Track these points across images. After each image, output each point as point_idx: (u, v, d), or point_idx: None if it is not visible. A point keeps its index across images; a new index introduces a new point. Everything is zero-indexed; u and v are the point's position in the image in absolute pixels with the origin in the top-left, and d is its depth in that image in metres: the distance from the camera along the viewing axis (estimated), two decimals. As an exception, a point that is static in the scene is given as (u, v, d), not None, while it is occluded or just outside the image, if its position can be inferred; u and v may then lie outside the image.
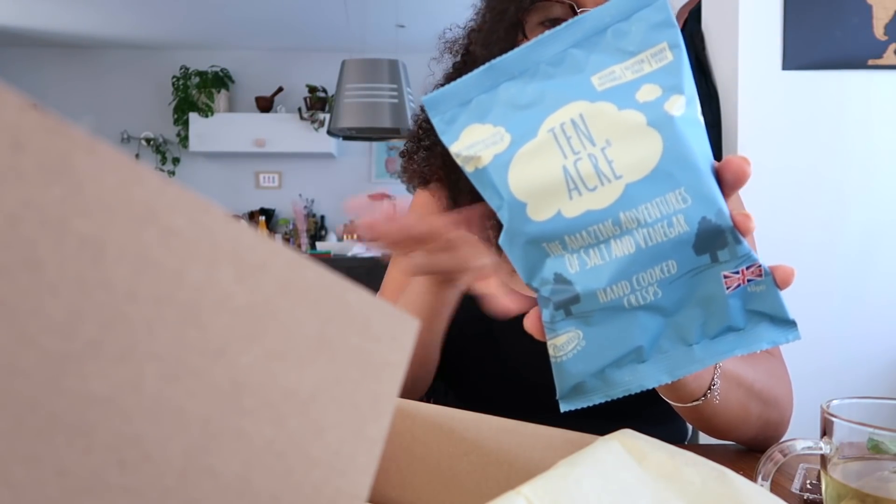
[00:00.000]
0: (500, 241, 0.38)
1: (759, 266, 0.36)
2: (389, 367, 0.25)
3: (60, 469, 0.20)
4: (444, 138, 0.39)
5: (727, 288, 0.37)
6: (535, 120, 0.37)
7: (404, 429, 0.48)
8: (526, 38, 0.76)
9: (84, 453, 0.20)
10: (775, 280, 0.37)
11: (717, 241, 0.36)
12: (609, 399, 0.39)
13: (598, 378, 0.39)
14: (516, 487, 0.28)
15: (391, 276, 0.92)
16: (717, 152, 1.89)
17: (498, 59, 0.39)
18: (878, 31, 1.76)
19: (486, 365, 0.83)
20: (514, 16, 0.76)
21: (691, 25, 2.07)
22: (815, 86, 1.79)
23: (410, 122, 3.62)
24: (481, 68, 0.39)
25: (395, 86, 3.50)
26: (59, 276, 0.19)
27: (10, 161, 0.18)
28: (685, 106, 0.36)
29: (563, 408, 0.40)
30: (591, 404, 0.39)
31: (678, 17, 2.44)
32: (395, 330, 0.25)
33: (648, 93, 0.36)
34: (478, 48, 0.81)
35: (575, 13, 0.73)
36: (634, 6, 0.38)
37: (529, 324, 0.41)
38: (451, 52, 0.88)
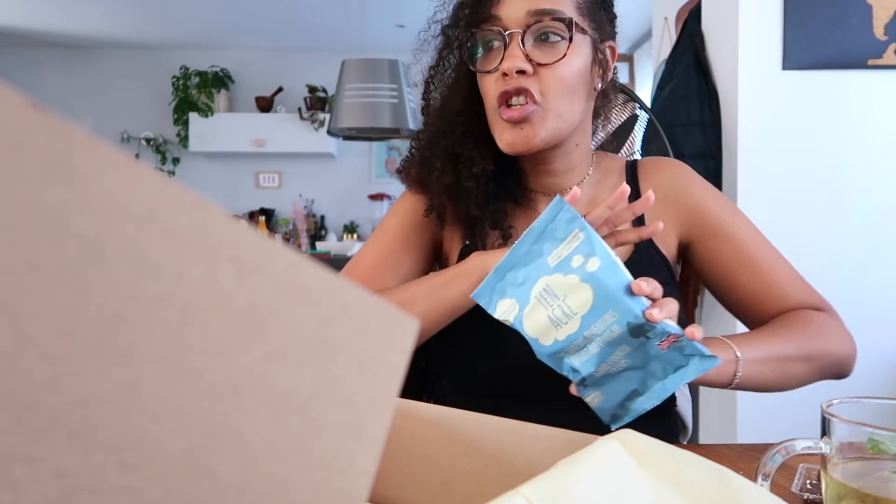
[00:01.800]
0: (539, 359, 0.66)
1: (673, 334, 0.62)
2: (389, 367, 0.25)
3: (60, 469, 0.20)
4: (489, 311, 0.67)
5: (663, 349, 0.63)
6: (526, 293, 0.65)
7: (404, 429, 0.48)
8: (473, 67, 0.86)
9: (84, 453, 0.20)
10: (690, 338, 0.62)
11: (641, 330, 0.62)
12: (634, 417, 0.66)
13: (622, 408, 0.67)
14: (516, 487, 0.28)
15: (376, 240, 0.96)
16: (718, 152, 1.89)
17: (501, 261, 0.66)
18: (878, 31, 1.76)
19: (487, 351, 0.85)
20: (458, 51, 0.87)
21: (691, 25, 2.07)
22: (815, 86, 1.79)
23: (410, 124, 3.61)
24: (494, 270, 0.66)
25: (395, 86, 3.50)
26: (59, 276, 0.19)
27: (10, 161, 0.18)
28: (598, 262, 0.62)
29: (613, 428, 0.66)
30: (626, 422, 0.66)
31: (678, 18, 2.44)
32: (395, 330, 0.25)
33: (577, 261, 0.63)
34: (435, 93, 0.94)
35: (503, 36, 0.82)
36: (554, 213, 0.65)
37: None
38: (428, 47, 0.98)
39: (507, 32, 0.81)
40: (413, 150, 0.96)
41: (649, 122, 1.84)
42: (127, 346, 0.21)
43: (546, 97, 0.82)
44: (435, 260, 0.98)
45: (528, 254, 0.65)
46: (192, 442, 0.22)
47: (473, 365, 0.86)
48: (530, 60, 0.81)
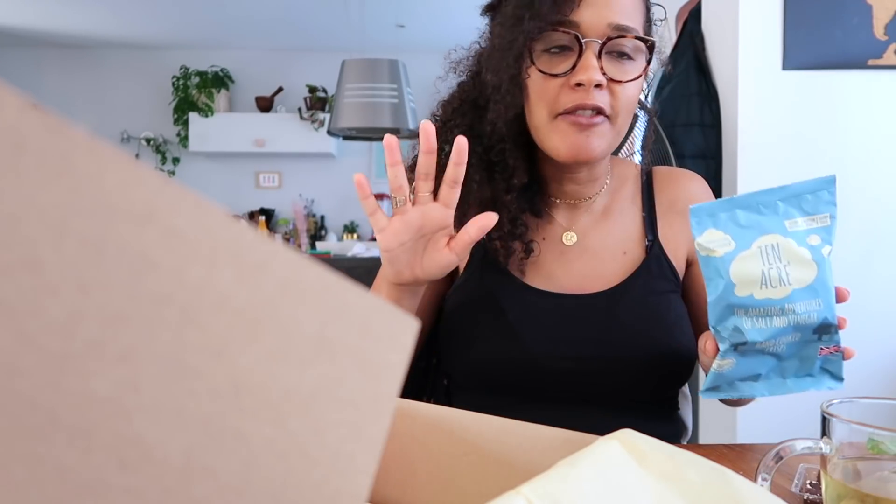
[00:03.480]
0: (711, 301, 0.62)
1: (839, 346, 0.62)
2: (389, 367, 0.25)
3: (60, 469, 0.20)
4: (693, 232, 0.63)
5: (819, 355, 0.63)
6: (749, 238, 0.62)
7: (404, 429, 0.48)
8: (534, 64, 0.81)
9: (84, 453, 0.20)
10: (843, 355, 0.63)
11: (827, 330, 0.61)
12: (733, 397, 0.66)
13: (731, 384, 0.66)
14: (516, 487, 0.28)
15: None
16: (718, 152, 1.89)
17: (736, 196, 0.63)
18: (878, 31, 1.76)
19: (501, 351, 0.84)
20: (522, 45, 0.80)
21: (691, 25, 2.07)
22: (815, 86, 1.79)
23: (410, 124, 3.57)
24: (724, 199, 0.63)
25: (395, 86, 3.50)
26: (59, 276, 0.19)
27: (10, 161, 0.18)
28: (830, 252, 0.61)
29: (704, 397, 0.66)
30: (719, 398, 0.67)
31: (678, 18, 2.44)
32: (395, 330, 0.25)
33: (814, 240, 0.62)
34: (489, 75, 0.86)
35: (580, 42, 0.78)
36: (819, 187, 0.63)
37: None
38: (455, 72, 0.93)
39: (584, 40, 0.79)
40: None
41: (649, 121, 1.84)
42: (127, 346, 0.21)
43: (616, 113, 0.81)
44: None
45: (770, 206, 0.63)
46: (192, 442, 0.22)
47: (486, 364, 0.86)
48: (604, 74, 0.79)
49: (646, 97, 0.92)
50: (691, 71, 1.96)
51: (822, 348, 0.62)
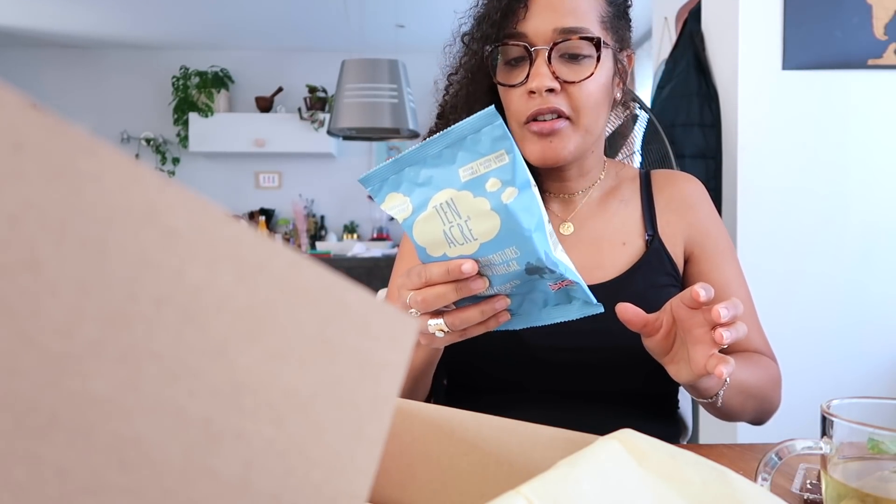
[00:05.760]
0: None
1: (569, 280, 0.60)
2: (389, 367, 0.25)
3: (60, 469, 0.20)
4: (376, 200, 0.61)
5: (552, 289, 0.61)
6: (425, 198, 0.58)
7: (404, 429, 0.48)
8: (495, 77, 0.85)
9: (84, 453, 0.20)
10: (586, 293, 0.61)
11: (539, 271, 0.58)
12: (508, 328, 0.64)
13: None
14: (516, 487, 0.28)
15: (397, 270, 0.96)
16: (718, 152, 1.89)
17: (403, 154, 0.59)
18: (878, 31, 1.76)
19: (494, 344, 0.85)
20: (482, 60, 0.85)
21: (691, 25, 2.07)
22: (815, 86, 1.79)
23: (410, 124, 3.59)
24: (392, 160, 0.60)
25: (394, 86, 3.51)
26: (59, 276, 0.19)
27: (10, 161, 0.18)
28: (516, 194, 0.56)
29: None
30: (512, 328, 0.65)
31: (678, 18, 2.44)
32: (395, 330, 0.25)
33: (493, 185, 0.56)
34: (464, 89, 0.90)
35: (529, 52, 0.82)
36: (482, 124, 0.57)
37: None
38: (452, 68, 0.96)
39: (533, 49, 0.81)
40: None
41: (649, 122, 1.84)
42: (127, 346, 0.21)
43: (577, 113, 0.83)
44: None
45: (439, 156, 0.58)
46: (192, 442, 0.22)
47: (484, 357, 0.86)
48: (557, 78, 0.81)
49: (623, 84, 0.91)
50: (691, 71, 1.96)
51: (550, 284, 0.60)
